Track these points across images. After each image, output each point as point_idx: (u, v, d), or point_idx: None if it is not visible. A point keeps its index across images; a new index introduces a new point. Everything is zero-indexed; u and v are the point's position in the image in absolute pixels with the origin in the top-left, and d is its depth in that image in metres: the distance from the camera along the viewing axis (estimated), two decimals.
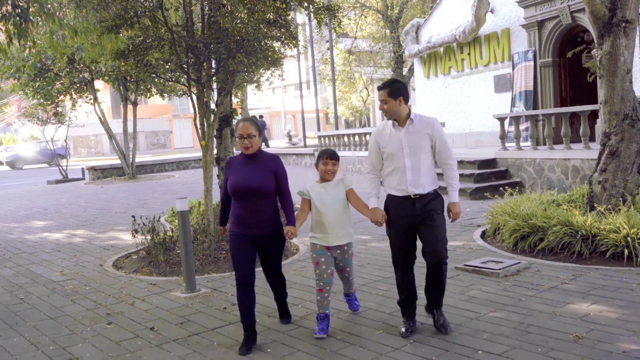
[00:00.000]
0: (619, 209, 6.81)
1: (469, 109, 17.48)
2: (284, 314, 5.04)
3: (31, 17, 9.57)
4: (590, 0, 7.55)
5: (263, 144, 28.15)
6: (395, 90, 4.44)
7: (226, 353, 4.43)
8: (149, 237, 7.62)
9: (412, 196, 4.42)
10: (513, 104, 15.27)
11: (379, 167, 4.63)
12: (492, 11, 15.95)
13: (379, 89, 4.53)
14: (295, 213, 4.69)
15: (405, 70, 27.40)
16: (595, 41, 7.69)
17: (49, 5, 9.81)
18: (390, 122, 4.53)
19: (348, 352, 4.29)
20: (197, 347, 4.61)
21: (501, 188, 9.10)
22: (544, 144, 12.02)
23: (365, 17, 29.05)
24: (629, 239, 6.17)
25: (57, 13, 10.35)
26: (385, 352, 4.25)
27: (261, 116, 33.86)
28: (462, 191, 11.26)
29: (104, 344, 4.78)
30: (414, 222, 4.44)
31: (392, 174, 4.51)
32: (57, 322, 5.45)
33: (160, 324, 5.22)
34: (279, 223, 4.61)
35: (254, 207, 4.44)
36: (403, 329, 4.58)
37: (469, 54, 17.20)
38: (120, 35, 9.43)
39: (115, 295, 6.23)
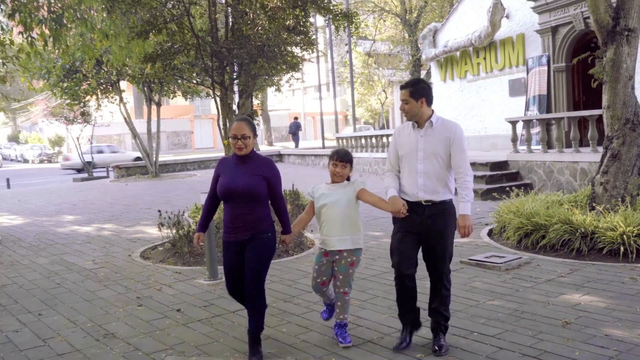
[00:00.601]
0: (617, 209, 7.17)
1: (485, 113, 17.81)
2: (254, 353, 4.28)
3: (65, 22, 10.18)
4: (594, 9, 7.93)
5: (293, 144, 28.65)
6: (418, 90, 4.22)
7: (245, 331, 4.87)
8: (174, 231, 8.13)
9: (423, 202, 4.20)
10: (527, 108, 15.59)
11: (396, 167, 4.39)
12: (507, 17, 16.30)
13: (402, 87, 4.31)
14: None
15: (423, 74, 27.75)
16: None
17: (83, 12, 10.38)
18: (411, 122, 4.33)
19: (356, 332, 4.74)
20: (219, 326, 5.10)
21: (507, 188, 9.47)
22: (560, 146, 12.35)
23: (384, 20, 29.45)
24: (624, 236, 6.54)
25: (88, 18, 10.93)
26: (389, 333, 4.70)
27: (296, 117, 34.66)
28: (473, 192, 11.62)
29: (136, 322, 5.29)
30: (422, 231, 4.24)
31: (404, 177, 4.31)
32: (92, 303, 5.98)
33: (186, 306, 5.72)
34: (269, 229, 4.34)
35: (242, 210, 4.24)
36: (397, 342, 4.41)
37: (484, 58, 17.55)
38: (148, 40, 10.00)
39: (143, 281, 6.75)
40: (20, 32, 11.02)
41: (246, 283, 4.27)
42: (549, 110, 14.75)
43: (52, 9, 10.22)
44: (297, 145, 30.42)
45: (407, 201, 4.25)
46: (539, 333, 4.53)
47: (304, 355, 4.37)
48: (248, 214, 4.24)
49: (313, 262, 4.60)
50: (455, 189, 4.32)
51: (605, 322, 4.69)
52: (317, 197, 4.56)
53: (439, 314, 4.33)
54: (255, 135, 4.34)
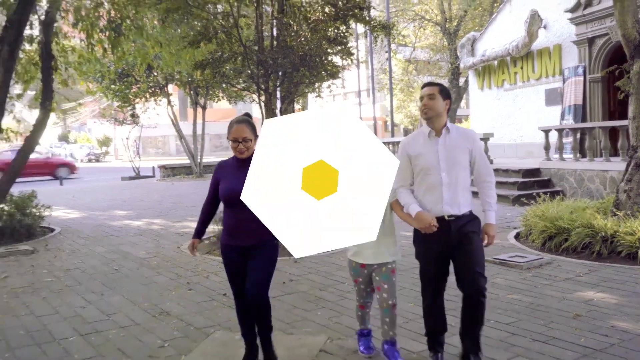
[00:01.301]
0: (638, 215, 7.53)
1: (521, 121, 18.09)
2: (268, 356, 4.24)
3: (123, 31, 11.02)
4: (622, 24, 8.30)
5: None
6: (447, 91, 4.01)
7: (282, 311, 5.48)
8: (219, 226, 8.77)
9: (446, 217, 3.92)
10: (563, 117, 15.84)
11: (409, 181, 4.09)
12: (544, 27, 16.59)
13: (428, 84, 4.03)
14: None
15: (461, 82, 28.05)
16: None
17: (139, 21, 11.20)
18: (425, 132, 4.02)
19: None
20: None
21: (535, 194, 9.84)
22: (592, 155, 12.61)
23: (425, 29, 29.83)
24: None
25: (143, 27, 11.75)
26: (413, 319, 5.22)
27: None
28: (505, 197, 12.01)
29: (187, 304, 5.94)
30: (448, 248, 3.97)
31: (425, 192, 3.99)
32: (147, 287, 6.67)
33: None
34: (274, 236, 4.17)
35: (246, 215, 3.73)
36: None
37: (521, 68, 17.86)
38: (199, 48, 10.74)
39: (192, 270, 7.42)
40: (81, 40, 11.93)
41: (254, 288, 4.03)
42: (584, 120, 14.99)
43: (111, 19, 11.09)
44: None
45: None
46: (550, 323, 4.98)
47: (336, 334, 4.93)
48: (253, 220, 3.77)
49: (351, 277, 4.49)
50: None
51: (613, 316, 5.11)
52: None
53: (475, 322, 4.00)
54: (256, 136, 4.01)
